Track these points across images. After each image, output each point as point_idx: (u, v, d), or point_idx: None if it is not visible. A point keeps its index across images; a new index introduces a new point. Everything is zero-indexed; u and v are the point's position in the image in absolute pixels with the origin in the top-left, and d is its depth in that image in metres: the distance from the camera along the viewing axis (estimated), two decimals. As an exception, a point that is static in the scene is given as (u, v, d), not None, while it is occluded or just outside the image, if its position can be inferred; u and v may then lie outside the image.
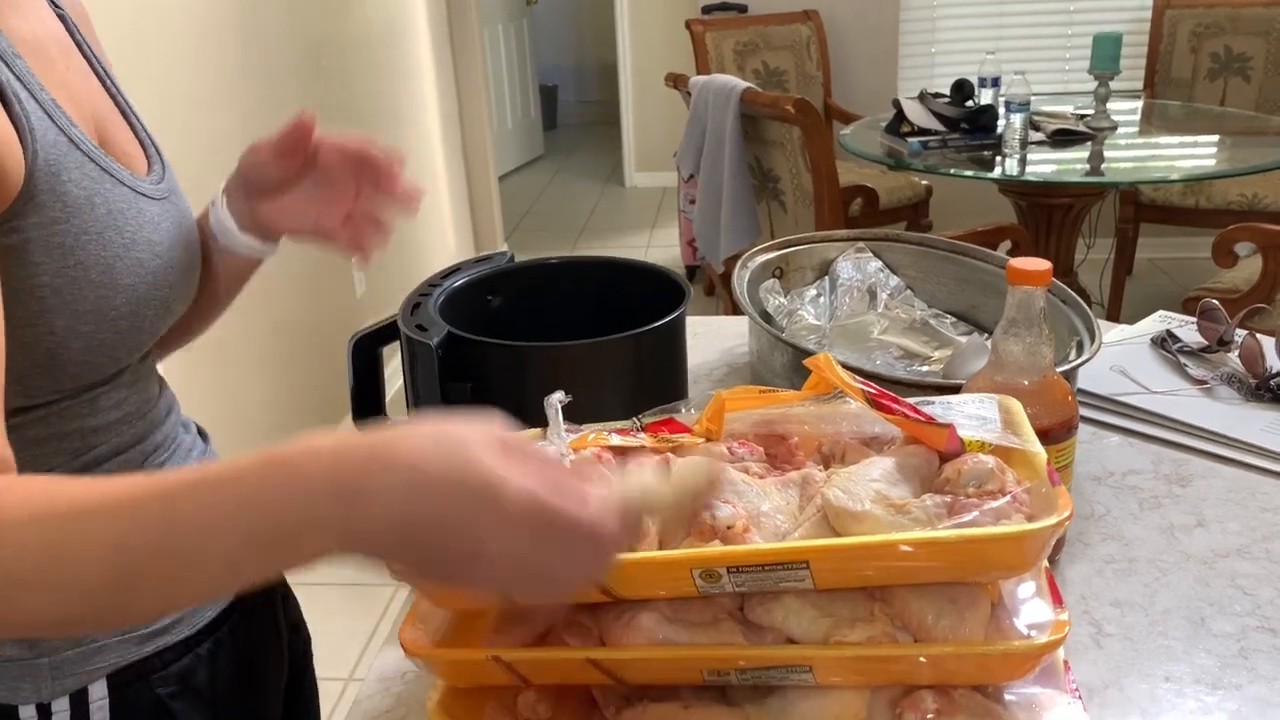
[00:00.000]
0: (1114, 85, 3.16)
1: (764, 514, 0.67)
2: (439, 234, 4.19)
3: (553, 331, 0.96)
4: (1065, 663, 0.68)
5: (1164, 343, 1.26)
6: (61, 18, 0.78)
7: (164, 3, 2.25)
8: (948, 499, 0.64)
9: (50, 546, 0.48)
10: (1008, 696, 0.65)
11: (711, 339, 1.37)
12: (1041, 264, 0.81)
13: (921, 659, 0.61)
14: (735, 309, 1.28)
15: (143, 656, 0.76)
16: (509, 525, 0.47)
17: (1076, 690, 0.66)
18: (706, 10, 4.35)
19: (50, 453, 0.72)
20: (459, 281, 1.02)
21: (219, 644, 0.82)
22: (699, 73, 3.75)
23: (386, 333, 0.97)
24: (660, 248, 5.10)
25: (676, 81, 3.63)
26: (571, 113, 7.86)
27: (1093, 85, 3.17)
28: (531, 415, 0.78)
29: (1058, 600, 0.65)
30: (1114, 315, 3.52)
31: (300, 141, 0.79)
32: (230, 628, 0.84)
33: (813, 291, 1.34)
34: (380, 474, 0.47)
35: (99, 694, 0.74)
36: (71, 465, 0.73)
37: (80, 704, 0.74)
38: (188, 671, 0.79)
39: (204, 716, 0.80)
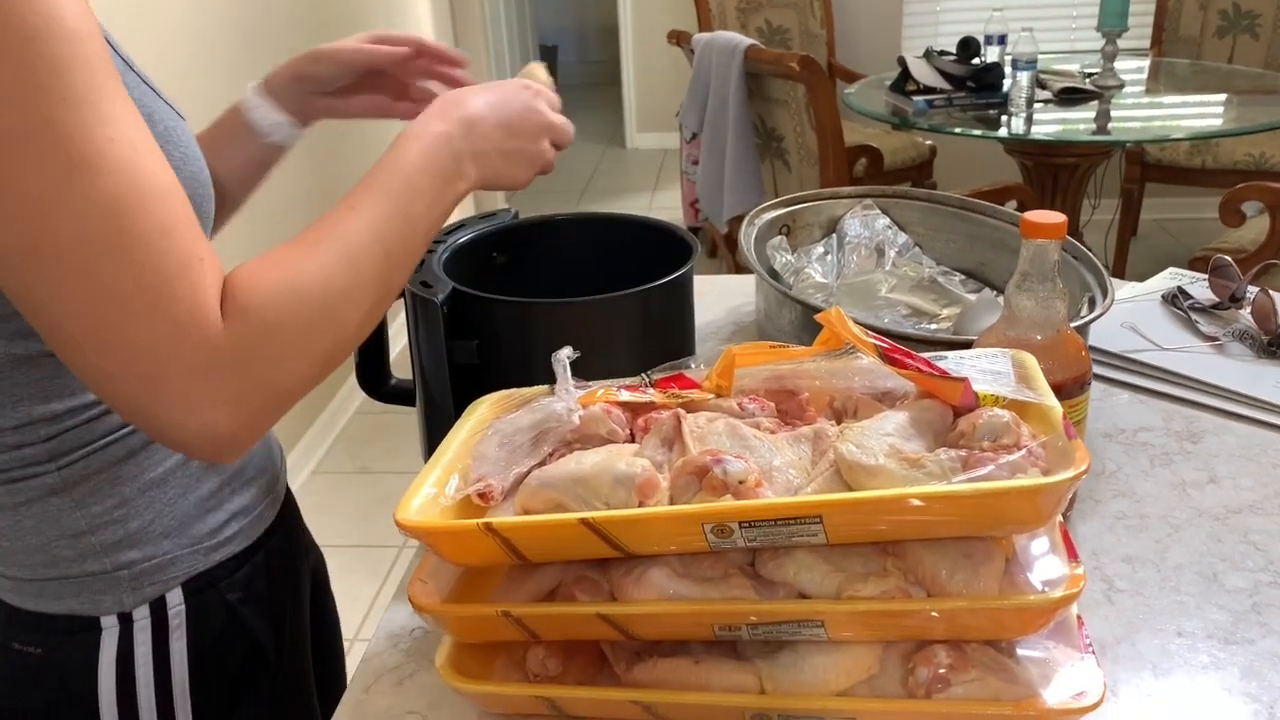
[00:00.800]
0: (1121, 43, 3.12)
1: (776, 469, 0.66)
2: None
3: (558, 289, 0.95)
4: (1079, 618, 0.68)
5: (1175, 299, 1.25)
6: None
7: (159, -41, 2.22)
8: (962, 453, 0.63)
9: (339, 258, 0.63)
10: (1021, 651, 0.65)
11: (717, 298, 1.36)
12: (1056, 216, 0.80)
13: (935, 614, 0.61)
14: (739, 270, 1.27)
15: (210, 566, 0.81)
16: (540, 128, 0.80)
17: (1090, 645, 0.65)
18: (709, -32, 4.29)
19: None
20: (463, 238, 1.00)
21: (269, 555, 0.87)
22: (701, 31, 3.70)
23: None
24: (662, 210, 5.06)
25: (679, 39, 3.59)
26: (572, 73, 7.79)
27: (1100, 43, 3.13)
28: (538, 372, 0.77)
29: (1073, 555, 0.64)
30: (1119, 276, 3.49)
31: (371, 65, 0.95)
32: (276, 541, 0.88)
33: (820, 249, 1.33)
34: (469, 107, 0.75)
35: (176, 601, 0.79)
36: None
37: (160, 611, 0.79)
38: (249, 580, 0.84)
39: (267, 621, 0.86)
